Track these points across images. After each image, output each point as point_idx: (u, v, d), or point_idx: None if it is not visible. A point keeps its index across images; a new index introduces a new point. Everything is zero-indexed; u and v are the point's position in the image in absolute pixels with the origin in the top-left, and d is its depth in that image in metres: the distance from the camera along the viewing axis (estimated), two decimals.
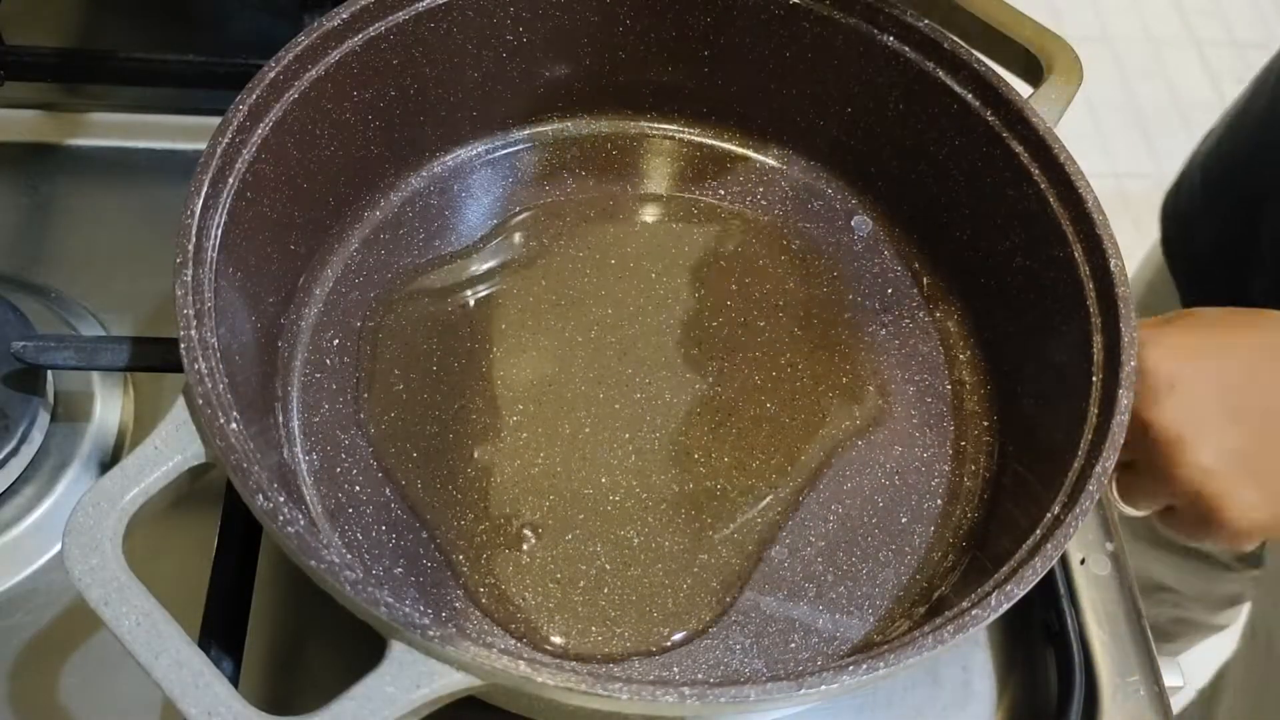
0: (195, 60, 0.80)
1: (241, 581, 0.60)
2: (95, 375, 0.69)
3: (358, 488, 0.63)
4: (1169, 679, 0.65)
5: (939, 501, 0.66)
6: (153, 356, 0.62)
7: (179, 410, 0.53)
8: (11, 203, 0.77)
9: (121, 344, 0.62)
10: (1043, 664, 0.65)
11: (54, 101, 0.82)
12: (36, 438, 0.65)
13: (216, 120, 0.59)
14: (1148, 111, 2.32)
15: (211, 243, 0.57)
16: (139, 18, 0.87)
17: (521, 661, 0.47)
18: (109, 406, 0.69)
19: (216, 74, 0.79)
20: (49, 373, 0.66)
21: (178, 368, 0.53)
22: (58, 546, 0.63)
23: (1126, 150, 2.25)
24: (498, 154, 0.77)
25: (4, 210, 0.77)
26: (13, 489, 0.64)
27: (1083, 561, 0.68)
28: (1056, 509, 0.55)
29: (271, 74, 0.62)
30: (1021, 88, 0.69)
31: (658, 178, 0.77)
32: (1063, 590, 0.64)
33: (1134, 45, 2.42)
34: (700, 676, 0.58)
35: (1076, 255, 0.63)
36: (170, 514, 0.65)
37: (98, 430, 0.68)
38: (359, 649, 0.50)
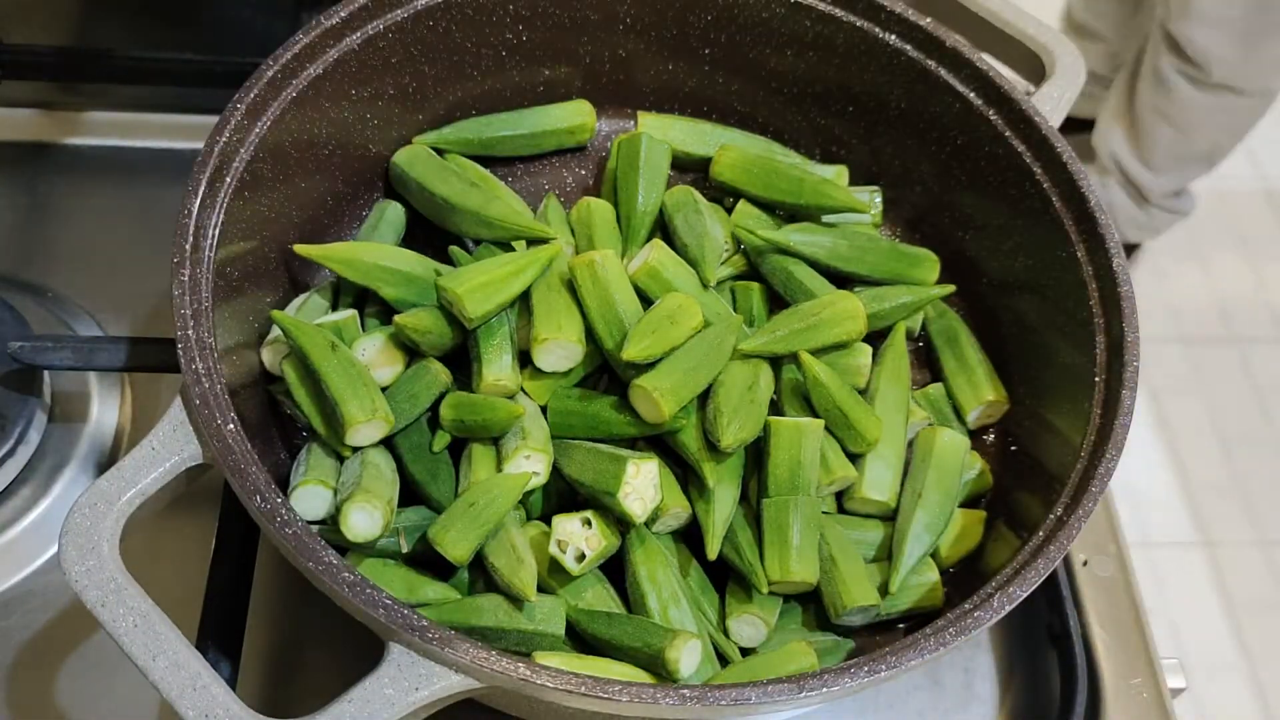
0: (193, 59, 0.79)
1: (239, 584, 0.60)
2: (92, 375, 0.69)
3: None
4: (1171, 681, 0.65)
5: None
6: (150, 357, 0.62)
7: (176, 410, 0.52)
8: (9, 202, 0.77)
9: (119, 344, 0.62)
10: (1045, 666, 0.65)
11: (52, 100, 0.82)
12: (33, 438, 0.65)
13: (214, 119, 0.59)
14: None
15: (209, 242, 0.57)
16: (136, 17, 0.87)
17: (521, 664, 0.47)
18: (106, 407, 0.69)
19: (214, 72, 0.78)
20: (46, 373, 0.66)
21: (175, 368, 0.52)
22: (55, 548, 0.63)
23: None
24: None
25: (1, 209, 0.77)
26: (9, 490, 0.64)
27: (1085, 563, 0.68)
28: (1059, 510, 0.55)
29: (270, 72, 0.61)
30: (1024, 86, 0.69)
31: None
32: (1065, 592, 0.64)
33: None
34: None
35: (1079, 255, 0.63)
36: (167, 516, 0.65)
37: (95, 430, 0.68)
38: (357, 651, 0.50)
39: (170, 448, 0.51)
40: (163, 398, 0.69)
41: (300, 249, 0.63)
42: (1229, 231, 1.91)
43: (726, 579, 0.60)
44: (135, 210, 0.77)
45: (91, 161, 0.80)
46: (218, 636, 0.57)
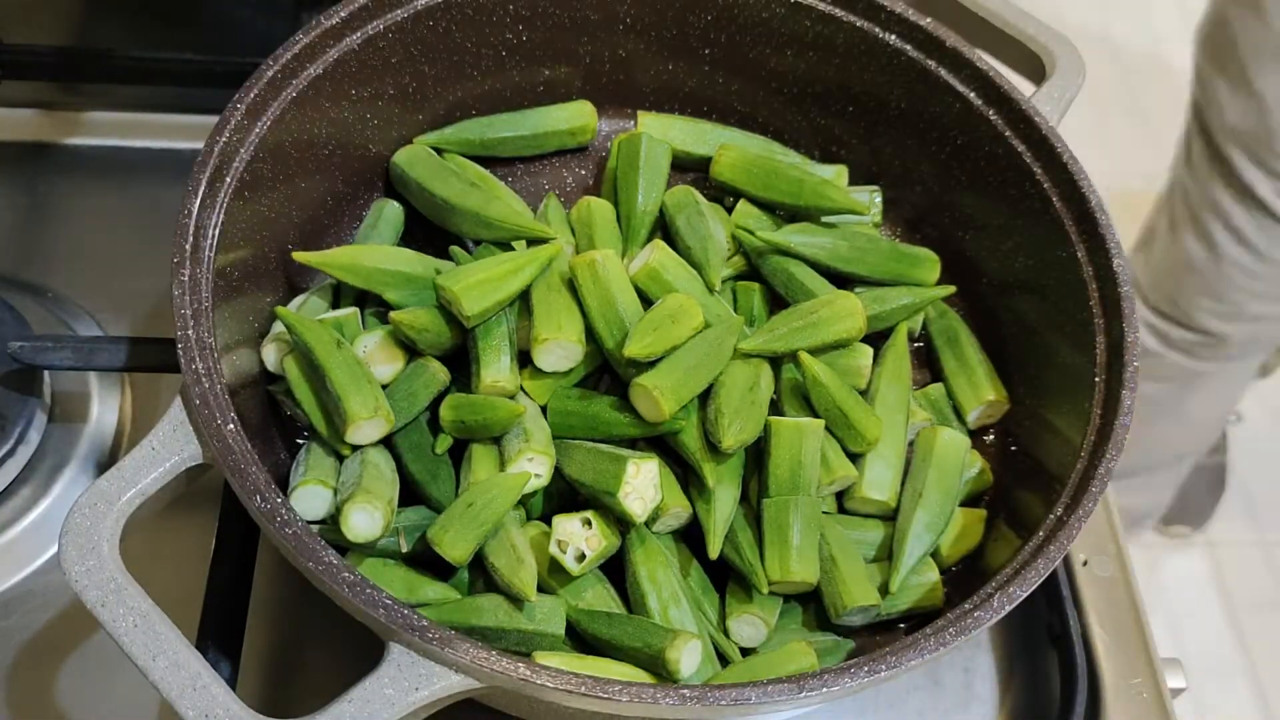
0: (192, 59, 0.79)
1: (239, 584, 0.60)
2: (92, 375, 0.69)
3: None
4: (1171, 681, 0.65)
5: None
6: (150, 357, 0.62)
7: (176, 411, 0.52)
8: (9, 202, 0.77)
9: (119, 344, 0.62)
10: (1045, 666, 0.65)
11: (52, 100, 0.82)
12: (33, 438, 0.65)
13: (214, 119, 0.59)
14: (1149, 109, 2.31)
15: (209, 242, 0.57)
16: (136, 17, 0.87)
17: (521, 664, 0.47)
18: (106, 407, 0.68)
19: (214, 72, 0.78)
20: (46, 373, 0.66)
21: (175, 368, 0.52)
22: (55, 548, 0.63)
23: (1128, 148, 2.24)
24: None
25: (1, 209, 0.77)
26: (9, 490, 0.64)
27: (1085, 563, 0.68)
28: (1059, 510, 0.55)
29: (270, 72, 0.61)
30: (1024, 85, 0.69)
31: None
32: (1065, 592, 0.64)
33: (1135, 42, 2.41)
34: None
35: (1079, 255, 0.63)
36: (167, 516, 0.64)
37: (95, 431, 0.67)
38: (357, 652, 0.49)
39: (170, 448, 0.51)
40: (163, 398, 0.69)
41: (299, 256, 0.63)
42: None
43: (727, 579, 0.60)
44: (135, 210, 0.77)
45: (91, 162, 0.80)
46: (218, 637, 0.57)
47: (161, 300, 0.72)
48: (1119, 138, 2.25)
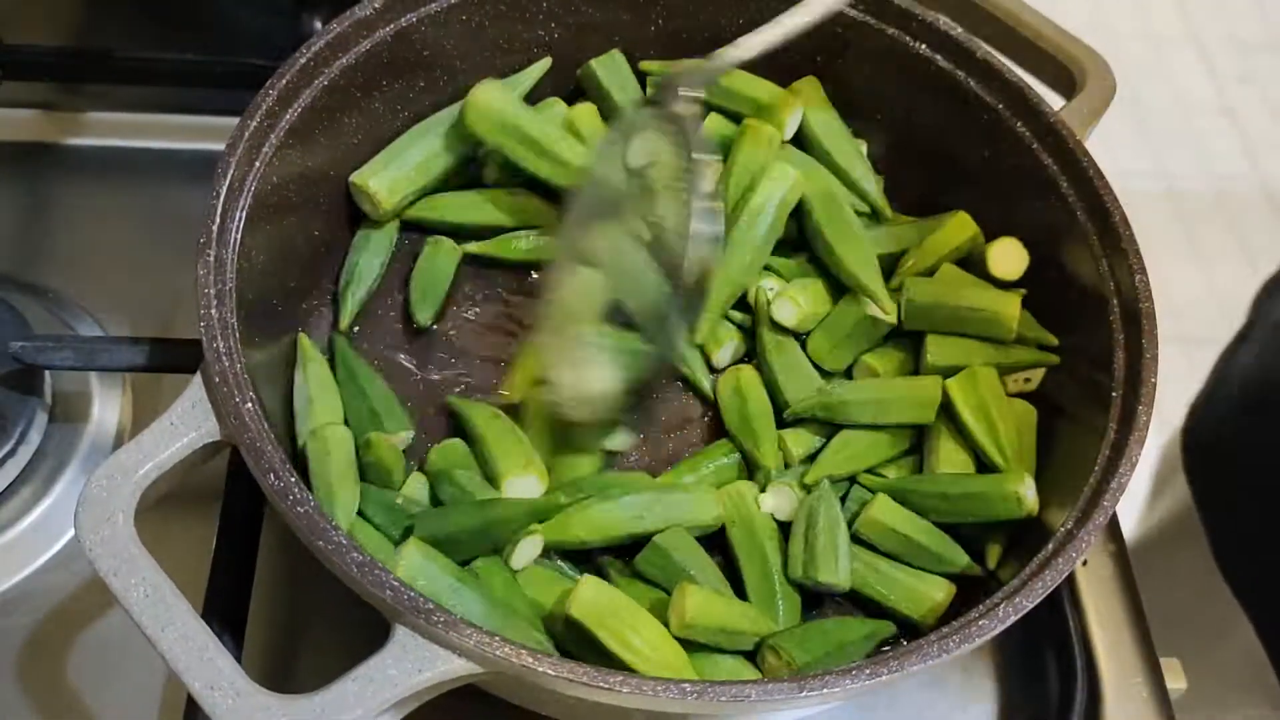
0: (193, 59, 0.79)
1: (244, 565, 0.60)
2: (93, 376, 0.68)
3: None
4: (1171, 680, 0.64)
5: None
6: (152, 357, 0.62)
7: (195, 388, 0.53)
8: (9, 202, 0.77)
9: (120, 344, 0.63)
10: (1045, 666, 0.64)
11: (52, 101, 0.81)
12: (34, 438, 0.64)
13: (215, 119, 0.59)
14: (1149, 108, 2.26)
15: (236, 224, 0.58)
16: (136, 17, 0.86)
17: (524, 651, 0.47)
18: (107, 407, 0.68)
19: (214, 73, 0.78)
20: (47, 373, 0.66)
21: (176, 368, 0.53)
22: (56, 548, 0.63)
23: (1128, 149, 2.19)
24: None
25: (2, 210, 0.76)
26: (10, 490, 0.64)
27: (1084, 563, 0.67)
28: (1070, 524, 0.55)
29: (303, 59, 0.62)
30: (1053, 99, 0.69)
31: None
32: (1065, 592, 0.64)
33: (1133, 42, 2.36)
34: None
35: (1101, 270, 0.63)
36: (168, 517, 0.63)
37: (96, 431, 0.67)
38: (362, 632, 0.50)
39: (189, 423, 0.52)
40: (164, 398, 0.68)
41: None
42: (1229, 231, 1.83)
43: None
44: (136, 210, 0.77)
45: (93, 162, 0.79)
46: (223, 616, 0.57)
47: (164, 300, 0.72)
48: (1118, 138, 2.19)
